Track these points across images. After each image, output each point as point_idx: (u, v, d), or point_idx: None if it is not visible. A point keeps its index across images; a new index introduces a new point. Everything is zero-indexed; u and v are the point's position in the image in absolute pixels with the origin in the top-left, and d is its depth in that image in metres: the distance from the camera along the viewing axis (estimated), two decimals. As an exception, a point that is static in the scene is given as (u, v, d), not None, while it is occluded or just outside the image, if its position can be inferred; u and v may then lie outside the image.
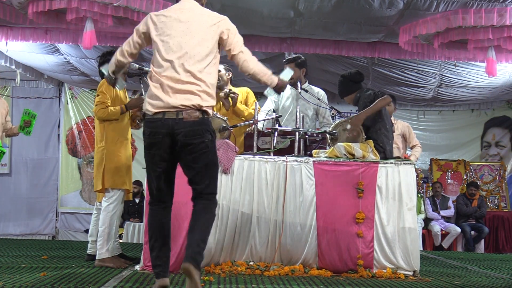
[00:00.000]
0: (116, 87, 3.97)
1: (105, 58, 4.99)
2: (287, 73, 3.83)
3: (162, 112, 3.28)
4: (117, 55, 3.54)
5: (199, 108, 3.30)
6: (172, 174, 3.42)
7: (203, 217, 3.34)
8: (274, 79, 3.59)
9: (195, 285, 3.15)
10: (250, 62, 3.49)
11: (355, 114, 4.91)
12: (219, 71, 5.47)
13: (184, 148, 3.29)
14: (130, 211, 8.90)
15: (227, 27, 3.48)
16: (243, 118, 5.47)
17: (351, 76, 5.12)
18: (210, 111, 3.38)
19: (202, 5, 3.56)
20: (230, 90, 5.47)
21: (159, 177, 3.37)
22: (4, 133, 6.24)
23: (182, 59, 3.32)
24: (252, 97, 5.62)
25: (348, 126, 4.82)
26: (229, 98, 5.44)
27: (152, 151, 3.36)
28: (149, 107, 3.34)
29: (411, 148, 7.24)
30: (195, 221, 3.32)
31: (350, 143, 4.76)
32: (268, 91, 3.79)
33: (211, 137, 3.37)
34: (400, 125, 6.76)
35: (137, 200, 9.00)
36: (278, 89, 3.68)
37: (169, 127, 3.27)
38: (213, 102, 3.39)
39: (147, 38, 3.46)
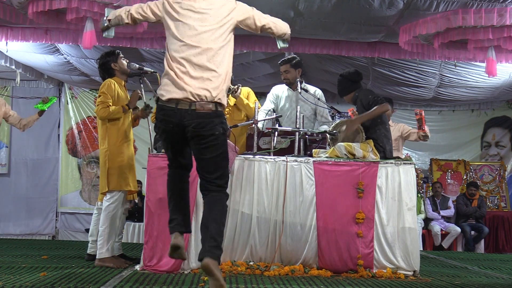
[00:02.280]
0: (104, 34, 3.85)
1: (105, 59, 5.00)
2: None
3: (175, 100, 3.29)
4: (121, 11, 3.57)
5: (212, 100, 3.30)
6: (186, 151, 3.48)
7: (215, 209, 3.29)
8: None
9: (217, 282, 3.03)
10: (277, 24, 3.70)
11: (351, 119, 4.91)
12: None
13: (194, 138, 3.32)
14: (130, 211, 8.89)
15: (240, 11, 3.54)
16: (245, 114, 5.48)
17: (350, 75, 5.12)
18: (224, 102, 3.38)
19: None
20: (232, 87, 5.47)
21: (174, 153, 3.47)
22: (22, 128, 6.37)
23: (198, 49, 3.33)
24: (253, 97, 5.62)
25: (343, 127, 4.84)
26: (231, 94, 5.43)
27: (164, 135, 3.43)
28: (163, 92, 3.35)
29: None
30: (209, 214, 3.27)
31: (350, 143, 4.77)
32: (279, 42, 3.88)
33: (222, 130, 3.35)
34: (396, 127, 6.70)
35: (136, 200, 8.99)
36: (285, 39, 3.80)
37: (181, 117, 3.28)
38: (225, 93, 3.43)
39: (157, 18, 3.49)
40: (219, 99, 3.33)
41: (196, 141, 3.32)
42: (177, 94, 3.29)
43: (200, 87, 3.29)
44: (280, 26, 3.72)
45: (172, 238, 3.35)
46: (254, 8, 3.61)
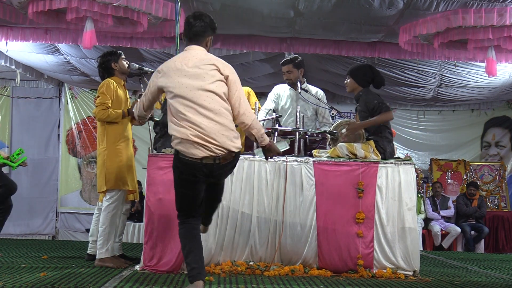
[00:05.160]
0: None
1: (105, 58, 4.99)
2: (282, 145, 3.96)
3: (200, 158, 3.43)
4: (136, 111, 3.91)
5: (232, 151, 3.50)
6: (201, 195, 3.60)
7: (217, 198, 3.81)
8: (266, 139, 3.66)
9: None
10: (249, 117, 3.58)
11: (354, 121, 4.88)
12: None
13: (218, 178, 3.63)
14: (132, 212, 8.89)
15: (230, 78, 3.57)
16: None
17: (378, 77, 4.94)
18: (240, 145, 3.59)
19: (207, 51, 3.67)
20: None
21: (191, 198, 3.55)
22: None
23: (197, 105, 3.44)
24: (253, 97, 5.63)
25: (343, 131, 4.83)
26: None
27: (184, 183, 3.53)
28: (180, 148, 3.48)
29: None
30: (212, 203, 3.78)
31: (352, 143, 4.77)
32: (256, 151, 3.93)
33: (238, 159, 3.64)
34: None
35: (136, 201, 8.98)
36: (267, 150, 3.72)
37: (207, 170, 3.47)
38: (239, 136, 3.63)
39: (159, 90, 3.61)
40: (237, 147, 3.56)
41: (217, 178, 3.63)
42: (198, 153, 3.50)
43: (216, 144, 3.51)
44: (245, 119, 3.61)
45: (193, 286, 3.40)
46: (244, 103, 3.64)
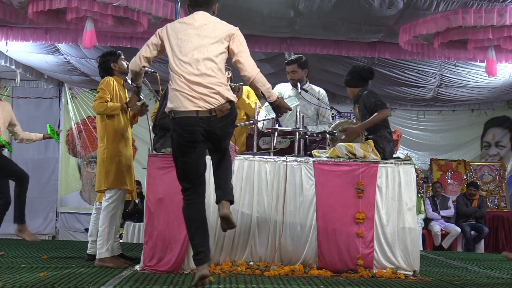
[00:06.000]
0: (140, 97, 4.29)
1: (105, 58, 4.99)
2: (292, 100, 3.93)
3: (195, 110, 3.43)
4: (131, 63, 3.75)
5: (227, 100, 3.48)
6: (203, 162, 3.59)
7: (229, 164, 3.66)
8: (274, 95, 3.70)
9: (232, 225, 3.51)
10: (253, 69, 3.59)
11: (353, 125, 4.88)
12: None
13: (218, 137, 3.53)
14: (130, 212, 8.89)
15: (236, 35, 3.62)
16: (244, 116, 5.48)
17: (362, 71, 5.04)
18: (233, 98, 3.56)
19: (213, 14, 3.73)
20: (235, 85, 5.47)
21: (193, 166, 3.53)
22: (20, 141, 6.35)
23: (197, 57, 3.49)
24: (253, 96, 5.62)
25: (343, 137, 4.83)
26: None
27: (184, 148, 3.51)
28: (175, 104, 3.49)
29: None
30: (225, 167, 3.61)
31: (351, 143, 4.76)
32: (267, 107, 3.87)
33: (236, 115, 3.60)
34: None
35: (136, 201, 8.99)
36: (276, 107, 3.78)
37: (205, 125, 3.44)
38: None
39: (162, 45, 3.63)
40: (230, 96, 3.54)
41: (218, 139, 3.55)
42: (191, 105, 3.51)
43: (210, 94, 3.52)
44: (249, 71, 3.64)
45: (200, 269, 3.45)
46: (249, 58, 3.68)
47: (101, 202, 4.92)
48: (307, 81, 5.58)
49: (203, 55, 3.50)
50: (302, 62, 5.51)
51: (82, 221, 9.83)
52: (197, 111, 3.42)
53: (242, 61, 3.57)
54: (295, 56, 5.70)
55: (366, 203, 4.62)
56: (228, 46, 3.58)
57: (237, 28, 3.66)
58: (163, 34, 3.62)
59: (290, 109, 4.01)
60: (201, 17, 3.63)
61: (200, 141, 3.48)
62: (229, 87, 3.57)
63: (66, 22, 6.00)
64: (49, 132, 6.07)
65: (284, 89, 5.67)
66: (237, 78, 7.41)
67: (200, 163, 3.57)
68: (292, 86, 5.58)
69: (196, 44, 3.52)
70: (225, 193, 3.54)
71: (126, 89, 5.09)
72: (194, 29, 3.57)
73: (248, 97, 5.59)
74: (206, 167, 3.67)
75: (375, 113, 4.72)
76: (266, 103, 5.64)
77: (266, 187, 4.65)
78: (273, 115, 5.17)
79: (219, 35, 3.56)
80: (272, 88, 5.77)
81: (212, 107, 3.44)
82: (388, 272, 4.51)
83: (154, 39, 3.66)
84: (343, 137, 4.84)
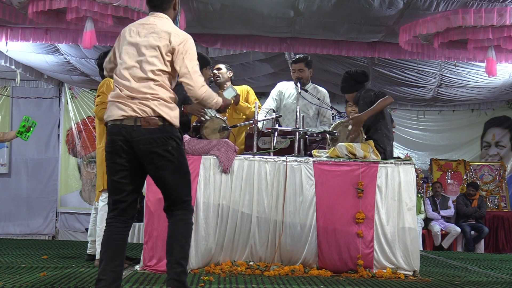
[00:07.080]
0: None
1: (103, 59, 4.98)
2: (229, 92, 3.93)
3: (120, 118, 3.07)
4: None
5: (158, 115, 3.07)
6: (134, 184, 3.19)
7: (179, 230, 3.17)
8: (219, 102, 3.32)
9: None
10: (198, 89, 3.17)
11: (356, 115, 4.89)
12: (220, 68, 5.49)
13: (146, 157, 3.08)
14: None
15: (182, 46, 3.18)
16: (243, 116, 5.48)
17: (356, 75, 5.08)
18: (173, 120, 3.12)
19: (175, 15, 3.38)
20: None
21: (119, 188, 3.13)
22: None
23: (137, 67, 3.19)
24: (252, 95, 5.63)
25: (350, 127, 4.82)
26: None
27: (107, 162, 3.15)
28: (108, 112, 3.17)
29: None
30: (172, 237, 3.13)
31: (351, 143, 4.77)
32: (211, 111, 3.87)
33: (176, 144, 3.12)
34: None
35: (136, 201, 8.98)
36: (222, 110, 3.69)
37: (126, 133, 3.04)
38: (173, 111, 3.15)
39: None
40: (165, 114, 3.10)
41: (148, 161, 3.08)
42: (121, 112, 3.14)
43: (141, 104, 3.13)
44: (195, 92, 3.19)
45: None
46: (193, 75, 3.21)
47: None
48: (309, 81, 5.60)
49: (142, 67, 3.19)
50: (309, 61, 5.56)
51: (82, 221, 9.82)
52: (122, 119, 3.07)
53: (184, 86, 3.21)
54: (302, 55, 5.71)
55: (366, 203, 4.63)
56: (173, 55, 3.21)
57: (187, 37, 3.25)
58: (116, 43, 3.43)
59: (230, 103, 3.88)
60: (151, 23, 3.31)
61: (119, 153, 3.07)
62: (173, 106, 3.17)
63: (66, 22, 6.00)
64: (19, 129, 5.73)
65: (286, 88, 5.67)
66: (237, 78, 7.44)
67: (122, 181, 3.13)
68: (295, 85, 5.57)
69: (137, 55, 3.27)
70: (170, 275, 3.12)
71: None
72: (139, 38, 3.35)
73: (247, 96, 5.59)
74: (137, 199, 3.29)
75: (379, 101, 4.73)
76: (266, 105, 5.65)
77: (266, 187, 4.65)
78: (273, 115, 5.18)
79: (162, 46, 3.19)
80: (271, 90, 5.80)
81: (139, 116, 3.05)
82: (388, 272, 4.51)
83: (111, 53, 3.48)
84: (350, 127, 4.82)
